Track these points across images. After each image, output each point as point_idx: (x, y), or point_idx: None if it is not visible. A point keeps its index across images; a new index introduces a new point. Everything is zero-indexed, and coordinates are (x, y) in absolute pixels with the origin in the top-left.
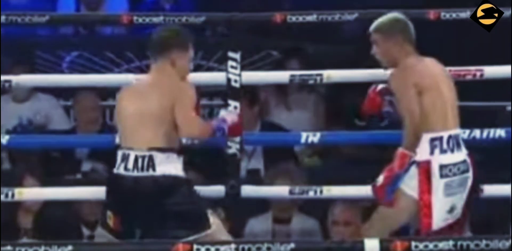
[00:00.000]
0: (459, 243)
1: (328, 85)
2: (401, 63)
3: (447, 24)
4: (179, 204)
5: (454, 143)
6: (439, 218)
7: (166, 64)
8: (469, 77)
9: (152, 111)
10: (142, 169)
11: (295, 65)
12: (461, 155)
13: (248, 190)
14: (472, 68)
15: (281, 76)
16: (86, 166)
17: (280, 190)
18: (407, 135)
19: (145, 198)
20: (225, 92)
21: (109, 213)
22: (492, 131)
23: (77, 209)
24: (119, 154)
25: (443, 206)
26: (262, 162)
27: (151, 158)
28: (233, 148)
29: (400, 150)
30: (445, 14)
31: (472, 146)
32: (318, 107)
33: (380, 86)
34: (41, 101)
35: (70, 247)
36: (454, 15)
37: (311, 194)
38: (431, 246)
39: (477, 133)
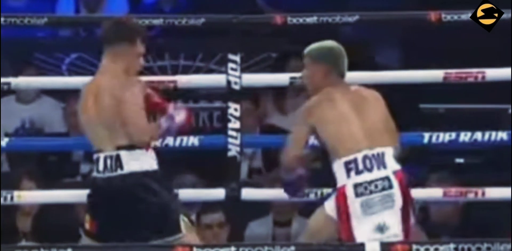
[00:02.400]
0: (460, 246)
1: None
2: (322, 93)
3: (449, 26)
4: (148, 203)
5: (373, 162)
6: (363, 237)
7: (109, 60)
8: (470, 79)
9: (105, 112)
10: (111, 169)
11: (295, 67)
12: (382, 172)
13: (248, 193)
14: (474, 70)
15: (282, 78)
16: (85, 168)
17: (281, 193)
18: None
19: (116, 198)
20: (225, 94)
21: (87, 217)
22: (493, 133)
23: (76, 212)
24: (94, 158)
25: (366, 225)
26: (261, 165)
27: (118, 157)
28: (233, 150)
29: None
30: (446, 16)
31: (474, 148)
32: None
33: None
34: (44, 104)
35: (69, 250)
36: (455, 17)
37: (311, 196)
38: (432, 249)
39: (478, 135)
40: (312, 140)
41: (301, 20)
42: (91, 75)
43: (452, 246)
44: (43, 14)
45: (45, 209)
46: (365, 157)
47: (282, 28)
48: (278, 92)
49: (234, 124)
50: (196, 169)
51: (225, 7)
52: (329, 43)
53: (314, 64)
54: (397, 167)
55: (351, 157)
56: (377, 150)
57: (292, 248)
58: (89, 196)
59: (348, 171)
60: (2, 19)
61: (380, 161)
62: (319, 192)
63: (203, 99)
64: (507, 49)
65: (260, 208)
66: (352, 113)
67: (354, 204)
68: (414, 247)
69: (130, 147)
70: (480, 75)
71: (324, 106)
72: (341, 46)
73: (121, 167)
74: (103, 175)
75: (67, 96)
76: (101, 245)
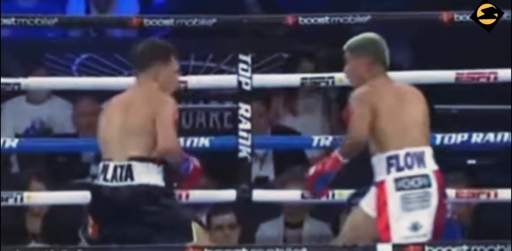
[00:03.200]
0: (473, 247)
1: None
2: (368, 85)
3: (461, 26)
4: (158, 214)
5: (414, 160)
6: (399, 234)
7: (148, 78)
8: (483, 80)
9: (134, 123)
10: (121, 179)
11: (306, 68)
12: (422, 170)
13: (259, 194)
14: (486, 71)
15: (293, 79)
16: (95, 169)
17: (292, 194)
18: (345, 145)
19: (123, 208)
20: (236, 95)
21: (90, 221)
22: (506, 134)
23: (85, 213)
24: (100, 165)
25: (403, 221)
26: (272, 167)
27: (129, 168)
28: (244, 151)
29: (335, 154)
30: (459, 17)
31: (486, 149)
32: (328, 111)
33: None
34: (55, 105)
35: None
36: (468, 17)
37: (323, 198)
38: (444, 250)
39: (491, 136)
40: (323, 141)
41: (312, 20)
42: (101, 75)
43: (465, 247)
44: (53, 15)
45: (55, 210)
46: (407, 154)
47: (293, 29)
48: (289, 93)
49: (245, 125)
50: (206, 170)
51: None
52: (370, 35)
53: (357, 57)
54: (435, 167)
55: (394, 153)
56: (419, 148)
57: (304, 250)
58: (92, 205)
59: (389, 166)
60: (13, 19)
61: (420, 159)
62: (330, 194)
63: (214, 100)
64: None
65: (271, 209)
66: (398, 108)
67: (394, 197)
68: (427, 248)
69: (143, 159)
70: (492, 76)
71: (375, 98)
72: (382, 38)
73: (132, 178)
74: (111, 183)
75: (77, 97)
76: (111, 247)
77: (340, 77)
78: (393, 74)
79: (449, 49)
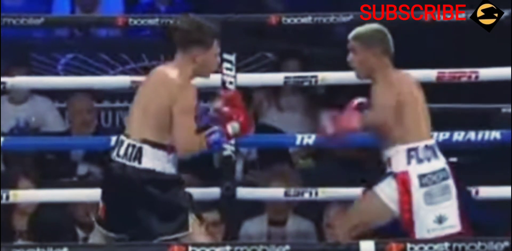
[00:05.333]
0: (454, 245)
1: (323, 86)
2: (381, 76)
3: (444, 26)
4: (157, 199)
5: (431, 152)
6: (423, 227)
7: (186, 60)
8: (464, 79)
9: (153, 106)
10: (130, 159)
11: (290, 67)
12: (439, 163)
13: (243, 192)
14: (467, 70)
15: (276, 78)
16: (82, 169)
17: (275, 192)
18: (388, 145)
19: (128, 188)
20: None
21: (100, 203)
22: (487, 133)
23: (72, 211)
24: (118, 138)
25: (427, 215)
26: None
27: (140, 150)
28: (228, 149)
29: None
30: (440, 16)
31: (467, 147)
32: (311, 108)
33: (358, 100)
34: (37, 103)
35: (65, 249)
36: (448, 16)
37: (306, 195)
38: (426, 248)
39: (472, 135)
40: (306, 139)
41: (295, 20)
42: (87, 75)
43: (446, 244)
44: (39, 14)
45: (42, 208)
46: (425, 147)
47: (277, 28)
48: (273, 91)
49: None
50: (191, 168)
51: (220, 6)
52: (377, 26)
53: (366, 48)
54: (444, 159)
55: (414, 145)
56: (431, 141)
57: (287, 247)
58: (103, 180)
59: (409, 158)
60: None
61: (434, 151)
62: (313, 191)
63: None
64: (500, 49)
65: (255, 207)
66: (416, 99)
67: (418, 193)
68: (409, 245)
69: (155, 145)
70: (473, 75)
71: (398, 89)
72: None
73: (139, 161)
74: (121, 159)
75: (63, 96)
76: (97, 245)
77: (323, 76)
78: None
79: (431, 49)
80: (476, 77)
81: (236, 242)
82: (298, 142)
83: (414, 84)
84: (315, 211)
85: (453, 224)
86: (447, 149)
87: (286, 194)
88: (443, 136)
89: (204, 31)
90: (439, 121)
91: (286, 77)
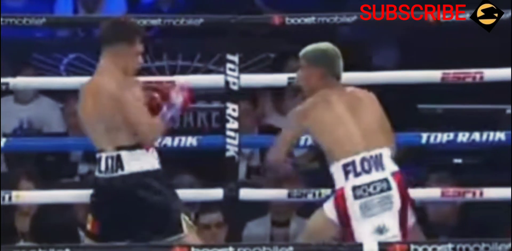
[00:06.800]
0: (458, 246)
1: None
2: (320, 95)
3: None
4: (150, 204)
5: (371, 164)
6: (363, 239)
7: (108, 60)
8: (468, 80)
9: (105, 113)
10: (112, 170)
11: (293, 68)
12: (381, 174)
13: (246, 193)
14: (472, 71)
15: (280, 78)
16: (83, 169)
17: (279, 193)
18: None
19: (117, 199)
20: (223, 95)
21: (89, 217)
22: (491, 134)
23: (74, 212)
24: (96, 157)
25: (366, 228)
26: (260, 164)
27: (119, 158)
28: (231, 151)
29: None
30: (444, 17)
31: (471, 148)
32: None
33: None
34: (42, 104)
35: (67, 250)
36: (453, 17)
37: (309, 197)
38: (430, 249)
39: (476, 136)
40: (310, 140)
41: (299, 20)
42: (89, 75)
43: (450, 246)
44: (41, 15)
45: (44, 209)
46: (363, 159)
47: (280, 29)
48: (276, 92)
49: (232, 124)
50: (194, 169)
51: (223, 7)
52: (324, 45)
53: (310, 67)
54: (395, 168)
55: (349, 160)
56: (375, 152)
57: (291, 248)
58: (91, 196)
59: (346, 173)
60: (1, 19)
61: (378, 162)
62: (317, 193)
63: (201, 99)
64: (505, 49)
65: (258, 208)
66: (348, 115)
67: (353, 206)
68: (412, 247)
69: (131, 147)
70: (478, 76)
71: (319, 109)
72: (336, 48)
73: (122, 168)
74: (105, 175)
75: (65, 96)
76: (100, 245)
77: None
78: (379, 75)
79: (435, 49)
80: (481, 78)
81: (239, 243)
82: (301, 142)
83: (357, 99)
84: None
85: (395, 234)
86: (451, 149)
87: (289, 195)
88: (447, 136)
89: (127, 27)
90: (443, 122)
91: (290, 78)
